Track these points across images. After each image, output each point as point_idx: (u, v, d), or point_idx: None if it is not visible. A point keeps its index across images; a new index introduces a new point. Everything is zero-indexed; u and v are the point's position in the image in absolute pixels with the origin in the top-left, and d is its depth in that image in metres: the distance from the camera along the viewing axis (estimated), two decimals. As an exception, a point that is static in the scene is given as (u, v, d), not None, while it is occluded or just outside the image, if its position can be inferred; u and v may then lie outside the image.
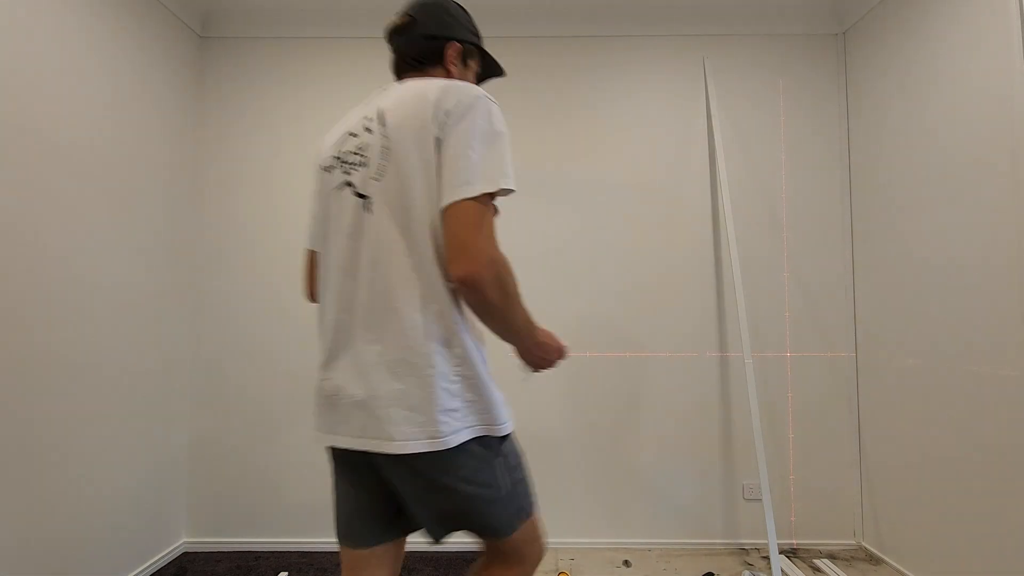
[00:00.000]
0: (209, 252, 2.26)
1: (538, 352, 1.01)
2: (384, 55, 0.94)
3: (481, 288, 0.84)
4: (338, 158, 0.98)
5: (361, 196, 0.92)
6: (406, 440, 0.86)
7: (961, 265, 1.69)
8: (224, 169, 2.29)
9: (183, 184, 2.21)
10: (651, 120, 2.28)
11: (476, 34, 1.12)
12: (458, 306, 0.91)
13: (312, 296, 1.10)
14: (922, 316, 1.84)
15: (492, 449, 0.94)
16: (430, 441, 0.86)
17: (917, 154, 1.88)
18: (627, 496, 2.21)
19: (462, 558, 2.12)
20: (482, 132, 0.87)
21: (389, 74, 1.09)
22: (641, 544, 2.18)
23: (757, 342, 2.20)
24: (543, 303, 2.23)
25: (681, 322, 2.22)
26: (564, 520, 2.20)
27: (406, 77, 1.04)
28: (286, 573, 2.01)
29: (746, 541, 2.17)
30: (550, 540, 2.18)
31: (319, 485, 2.21)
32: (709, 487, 2.20)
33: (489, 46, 1.16)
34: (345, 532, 1.02)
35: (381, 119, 0.92)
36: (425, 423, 0.86)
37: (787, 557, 2.08)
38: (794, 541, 2.16)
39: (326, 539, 2.20)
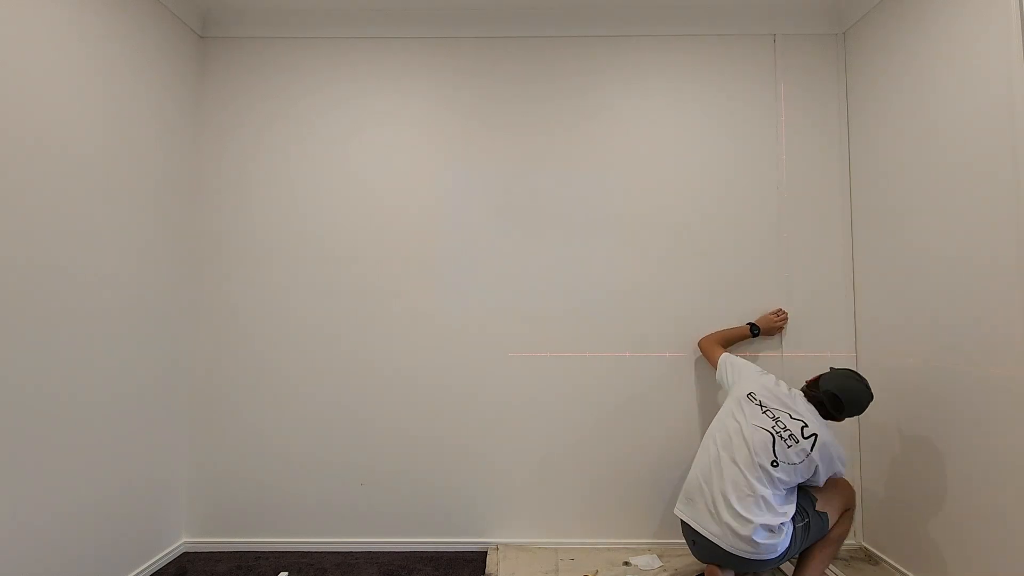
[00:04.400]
0: (211, 254, 2.26)
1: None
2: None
3: None
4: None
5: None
6: None
7: (962, 264, 1.69)
8: (225, 172, 2.28)
9: (182, 187, 2.20)
10: (650, 121, 2.28)
11: None
12: None
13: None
14: (923, 315, 1.84)
15: None
16: None
17: (918, 153, 1.88)
18: (627, 496, 2.21)
19: (462, 558, 2.12)
20: None
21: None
22: (641, 544, 2.18)
23: (757, 342, 2.20)
24: (543, 304, 2.24)
25: (681, 322, 2.22)
26: (564, 520, 2.20)
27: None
28: (286, 573, 2.01)
29: (746, 541, 2.17)
30: (550, 540, 2.19)
31: (319, 486, 2.21)
32: (709, 487, 2.20)
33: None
34: None
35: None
36: None
37: (787, 557, 2.08)
38: (794, 541, 2.16)
39: (326, 539, 2.20)
